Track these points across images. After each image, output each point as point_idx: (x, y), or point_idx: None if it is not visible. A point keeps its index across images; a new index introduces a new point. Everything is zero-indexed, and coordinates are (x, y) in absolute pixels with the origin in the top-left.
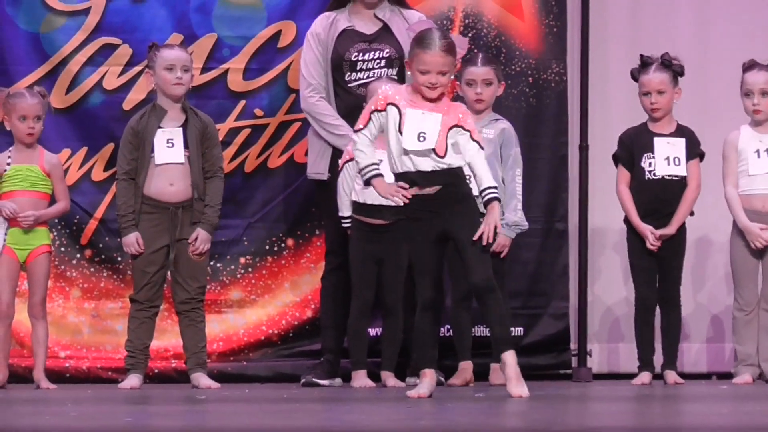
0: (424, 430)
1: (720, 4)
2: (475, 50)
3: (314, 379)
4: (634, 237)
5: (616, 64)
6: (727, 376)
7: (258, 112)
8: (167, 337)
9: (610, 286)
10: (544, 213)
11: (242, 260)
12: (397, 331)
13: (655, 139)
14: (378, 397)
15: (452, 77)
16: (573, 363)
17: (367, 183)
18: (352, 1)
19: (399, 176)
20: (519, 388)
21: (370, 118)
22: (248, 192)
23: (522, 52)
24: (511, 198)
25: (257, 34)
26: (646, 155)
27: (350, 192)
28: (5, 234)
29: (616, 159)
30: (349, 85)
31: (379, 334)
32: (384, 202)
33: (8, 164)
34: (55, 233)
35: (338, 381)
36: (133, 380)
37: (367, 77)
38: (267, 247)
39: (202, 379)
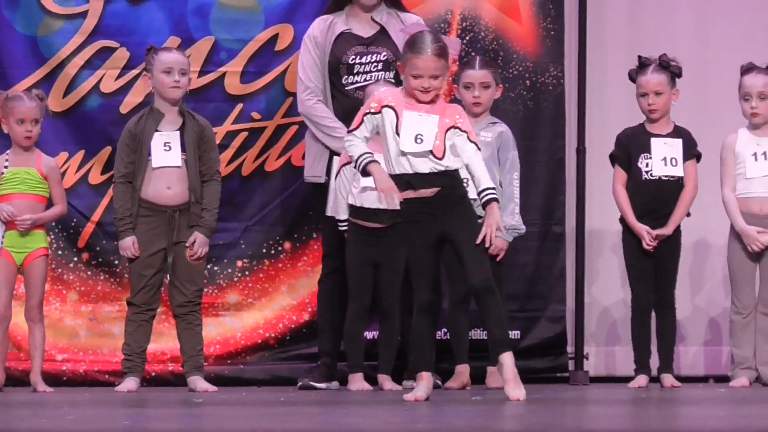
0: None
1: (718, 6)
2: (473, 53)
3: (311, 383)
4: (630, 238)
5: (613, 67)
6: (724, 379)
7: (255, 115)
8: (164, 341)
9: (607, 289)
10: (541, 216)
11: (239, 263)
12: (394, 334)
13: (652, 139)
14: (375, 400)
15: (447, 80)
16: (570, 366)
17: (365, 173)
18: (350, 4)
19: (395, 178)
20: (516, 390)
21: (362, 120)
22: (245, 195)
23: (519, 55)
24: (508, 201)
25: (254, 37)
26: (643, 155)
27: (347, 195)
28: (2, 237)
29: (613, 159)
30: (347, 88)
31: (376, 337)
32: (381, 205)
33: (6, 167)
34: (53, 236)
35: (335, 384)
36: (130, 383)
37: (365, 80)
38: (264, 251)
39: (199, 382)
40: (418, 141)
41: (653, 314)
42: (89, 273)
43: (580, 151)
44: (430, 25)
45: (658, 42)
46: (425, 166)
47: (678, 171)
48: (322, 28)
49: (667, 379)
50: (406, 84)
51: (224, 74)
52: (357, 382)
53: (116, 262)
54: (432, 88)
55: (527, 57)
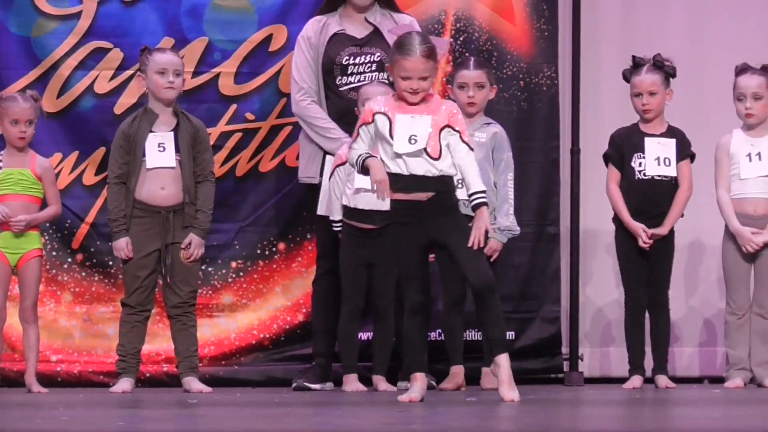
0: None
1: (712, 6)
2: (467, 54)
3: (305, 384)
4: (624, 238)
5: (607, 67)
6: (719, 380)
7: (249, 116)
8: (159, 341)
9: (602, 290)
10: (535, 217)
11: (234, 264)
12: (389, 335)
13: (646, 139)
14: (369, 401)
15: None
16: (565, 367)
17: (364, 171)
18: (343, 5)
19: (391, 176)
20: (511, 391)
21: (359, 133)
22: (240, 196)
23: (513, 56)
24: (503, 202)
25: (248, 38)
26: (636, 155)
27: (341, 196)
28: None
29: (607, 158)
30: (341, 88)
31: (370, 338)
32: (374, 207)
33: (0, 168)
34: (47, 237)
35: (329, 385)
36: (124, 384)
37: (358, 81)
38: (258, 251)
39: (193, 383)
40: (412, 142)
41: (647, 315)
42: (83, 274)
43: (575, 152)
44: (424, 25)
45: (652, 42)
46: (421, 168)
47: (671, 171)
48: (316, 29)
49: (662, 380)
50: (396, 85)
51: (218, 75)
52: (351, 383)
53: (110, 263)
54: (421, 89)
55: (521, 58)
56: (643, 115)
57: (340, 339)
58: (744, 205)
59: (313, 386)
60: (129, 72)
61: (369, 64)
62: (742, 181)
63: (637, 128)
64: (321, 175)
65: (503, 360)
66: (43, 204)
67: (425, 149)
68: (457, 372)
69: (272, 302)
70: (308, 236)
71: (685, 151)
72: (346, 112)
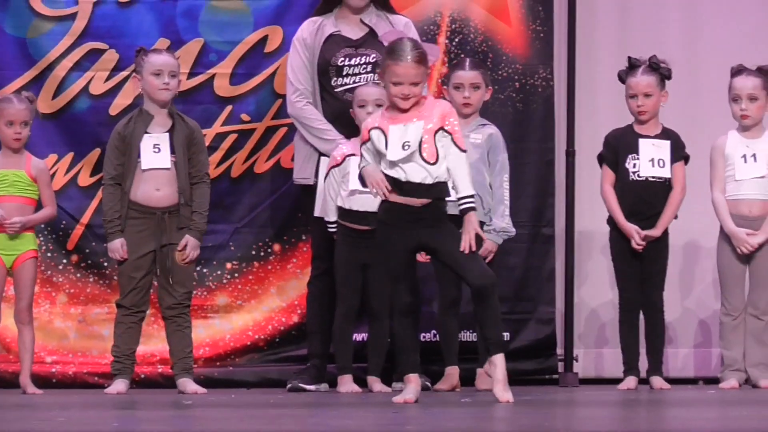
0: None
1: (708, 8)
2: (462, 55)
3: (300, 385)
4: (618, 239)
5: (603, 69)
6: (714, 381)
7: (245, 117)
8: (154, 343)
9: (597, 291)
10: (530, 218)
11: (229, 265)
12: (384, 336)
13: (640, 140)
14: (364, 402)
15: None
16: (559, 368)
17: (362, 181)
18: (339, 6)
19: (389, 180)
20: (506, 392)
21: (362, 155)
22: (235, 197)
23: (509, 57)
24: (498, 204)
25: (244, 39)
26: (630, 156)
27: (336, 197)
28: None
29: (601, 159)
30: (336, 90)
31: (365, 339)
32: (369, 208)
33: None
34: (42, 238)
35: (324, 386)
36: (119, 385)
37: (354, 82)
38: (253, 252)
39: (188, 384)
40: (405, 148)
41: (641, 316)
42: (78, 275)
43: (570, 153)
44: (420, 27)
45: (648, 43)
46: (418, 175)
47: (665, 172)
48: (311, 30)
49: (656, 381)
50: (387, 91)
51: (213, 76)
52: (346, 384)
53: (105, 264)
54: (412, 94)
55: (516, 59)
56: (638, 117)
57: (335, 340)
58: (739, 207)
59: (308, 387)
60: (124, 73)
61: (364, 66)
62: (737, 182)
63: (632, 129)
64: (316, 176)
65: (499, 360)
66: (38, 205)
67: (421, 154)
68: (452, 373)
69: (267, 303)
70: (303, 237)
71: (679, 153)
72: (341, 114)
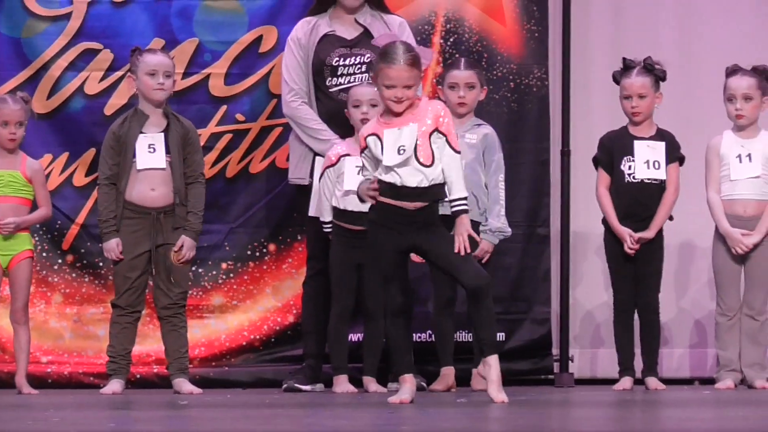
0: None
1: (702, 9)
2: (457, 55)
3: (296, 385)
4: (613, 240)
5: (598, 68)
6: (709, 381)
7: (239, 117)
8: (149, 343)
9: (592, 292)
10: (525, 218)
11: (224, 265)
12: (379, 336)
13: (636, 142)
14: (360, 402)
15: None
16: (555, 368)
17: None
18: (333, 6)
19: (384, 184)
20: (500, 393)
21: (363, 164)
22: (230, 197)
23: (503, 57)
24: (494, 204)
25: (239, 39)
26: (625, 158)
27: (331, 197)
28: None
29: (596, 162)
30: (330, 90)
31: (360, 339)
32: (364, 208)
33: None
34: (37, 238)
35: (320, 386)
36: (114, 385)
37: (348, 82)
38: (249, 253)
39: (183, 384)
40: (401, 152)
41: (636, 316)
42: (74, 275)
43: (565, 153)
44: (414, 27)
45: (643, 44)
46: (414, 179)
47: (660, 174)
48: (306, 30)
49: (652, 382)
50: (380, 94)
51: (208, 76)
52: (341, 384)
53: (101, 264)
54: (405, 97)
55: (511, 59)
56: (632, 118)
57: (330, 340)
58: (734, 207)
59: (303, 387)
60: (119, 73)
61: (359, 65)
62: (733, 182)
63: (627, 131)
64: (311, 176)
65: (493, 361)
66: (34, 206)
67: (417, 157)
68: (448, 373)
69: (262, 303)
70: (298, 237)
71: (674, 154)
72: (336, 114)
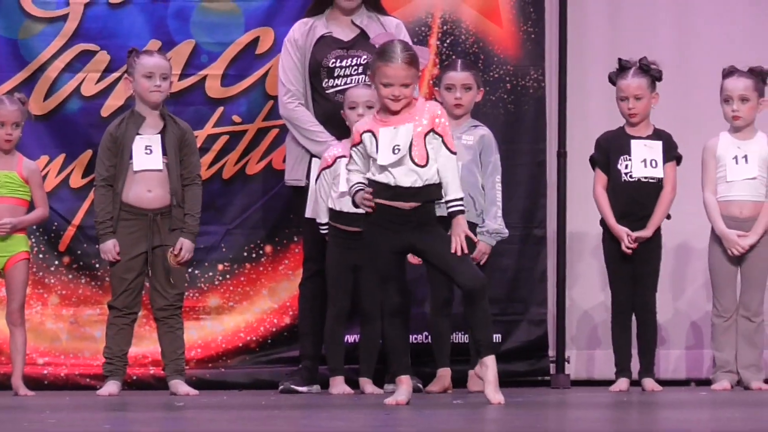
0: None
1: (699, 9)
2: (454, 56)
3: (292, 386)
4: (611, 240)
5: (594, 70)
6: (705, 382)
7: (236, 118)
8: (145, 344)
9: (588, 293)
10: (522, 219)
11: (220, 267)
12: (375, 337)
13: (632, 141)
14: (356, 403)
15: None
16: (551, 369)
17: (355, 204)
18: (330, 7)
19: (379, 185)
20: (497, 394)
21: (351, 156)
22: (226, 198)
23: (500, 59)
24: (491, 205)
25: (235, 41)
26: (622, 157)
27: (327, 199)
28: None
29: (593, 162)
30: (327, 91)
31: (357, 340)
32: (360, 210)
33: None
34: (34, 240)
35: (316, 388)
36: (111, 387)
37: (345, 84)
38: (245, 254)
39: (180, 385)
40: (395, 152)
41: (633, 317)
42: (70, 276)
43: (561, 154)
44: (411, 28)
45: (639, 45)
46: (408, 179)
47: (658, 173)
48: (303, 32)
49: (648, 383)
50: (377, 93)
51: (205, 77)
52: (338, 385)
53: (97, 265)
54: (402, 96)
55: (508, 60)
56: (628, 119)
57: (327, 341)
58: (730, 208)
59: (299, 389)
60: (116, 74)
61: (355, 67)
62: (729, 183)
63: (623, 131)
64: (308, 177)
65: (490, 362)
66: (31, 206)
67: (411, 157)
68: (444, 374)
69: (259, 305)
70: (295, 239)
71: (671, 153)
72: (332, 115)
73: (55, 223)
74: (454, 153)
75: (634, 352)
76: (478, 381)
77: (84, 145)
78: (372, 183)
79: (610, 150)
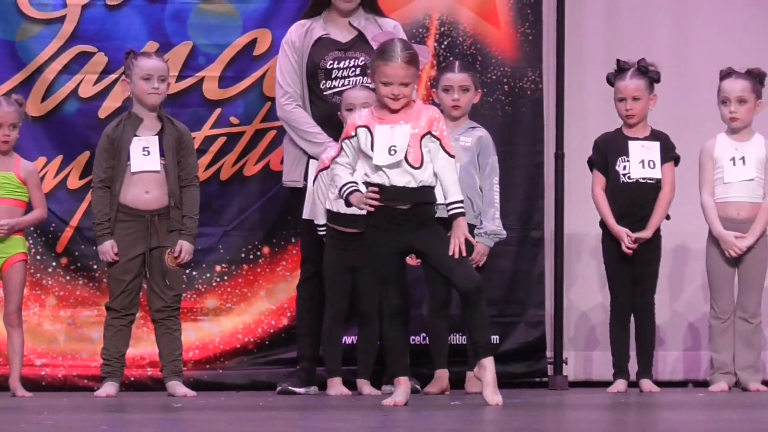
0: None
1: (697, 11)
2: (451, 58)
3: (290, 387)
4: (610, 241)
5: (592, 71)
6: (703, 384)
7: (234, 120)
8: (143, 345)
9: (586, 294)
10: (520, 221)
11: (218, 268)
12: (373, 339)
13: (630, 142)
14: (354, 405)
15: (426, 84)
16: (549, 371)
17: (348, 203)
18: (328, 9)
19: (370, 185)
20: (495, 395)
21: (342, 148)
22: (224, 200)
23: (498, 60)
24: (489, 206)
25: (233, 42)
26: (620, 159)
27: (325, 200)
28: None
29: (591, 163)
30: (325, 93)
31: (354, 342)
32: (358, 211)
33: None
34: (31, 241)
35: (314, 389)
36: (108, 388)
37: (342, 85)
38: (243, 255)
39: (177, 387)
40: (392, 153)
41: (632, 319)
42: (68, 278)
43: (559, 156)
44: (408, 29)
45: (637, 46)
46: (402, 179)
47: (656, 173)
48: (300, 33)
49: (646, 384)
50: (377, 92)
51: (202, 79)
52: (335, 386)
53: (95, 266)
54: (402, 95)
55: (505, 62)
56: (626, 120)
57: (324, 343)
58: (728, 209)
59: (297, 390)
60: (113, 76)
61: (353, 69)
62: (726, 185)
63: (621, 132)
64: (305, 179)
65: (488, 363)
66: (28, 208)
67: (406, 159)
68: (442, 376)
69: (257, 306)
70: (293, 240)
71: (669, 154)
72: (330, 117)
73: (53, 225)
74: (453, 156)
75: (632, 353)
76: (476, 382)
77: (81, 147)
78: (367, 185)
79: (608, 151)
